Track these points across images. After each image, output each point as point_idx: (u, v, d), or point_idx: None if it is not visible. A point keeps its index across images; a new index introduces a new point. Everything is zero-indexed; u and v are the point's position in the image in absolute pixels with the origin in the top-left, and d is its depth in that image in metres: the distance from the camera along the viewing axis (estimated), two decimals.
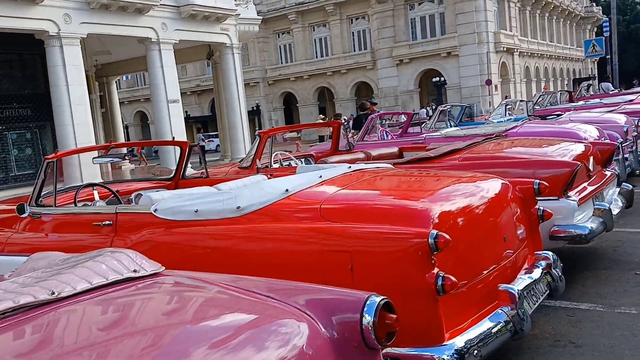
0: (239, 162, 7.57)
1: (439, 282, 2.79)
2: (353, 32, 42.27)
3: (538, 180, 4.07)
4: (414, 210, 3.19)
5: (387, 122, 15.13)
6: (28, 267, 2.32)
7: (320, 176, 3.81)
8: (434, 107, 25.68)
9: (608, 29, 37.29)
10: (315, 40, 43.92)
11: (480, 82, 36.41)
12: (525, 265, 3.76)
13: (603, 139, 7.58)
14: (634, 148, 8.98)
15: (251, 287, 2.12)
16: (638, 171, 9.30)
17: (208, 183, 4.92)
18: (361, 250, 2.99)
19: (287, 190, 3.54)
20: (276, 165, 6.72)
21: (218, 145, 30.71)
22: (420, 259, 2.83)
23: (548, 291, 3.76)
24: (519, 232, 3.78)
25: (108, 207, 4.44)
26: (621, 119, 9.38)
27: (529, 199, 4.00)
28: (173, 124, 19.86)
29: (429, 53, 38.04)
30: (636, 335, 3.87)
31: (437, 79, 38.54)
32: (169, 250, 3.60)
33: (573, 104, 15.46)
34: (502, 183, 3.81)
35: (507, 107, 14.67)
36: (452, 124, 11.75)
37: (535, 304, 3.54)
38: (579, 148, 5.67)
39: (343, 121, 12.37)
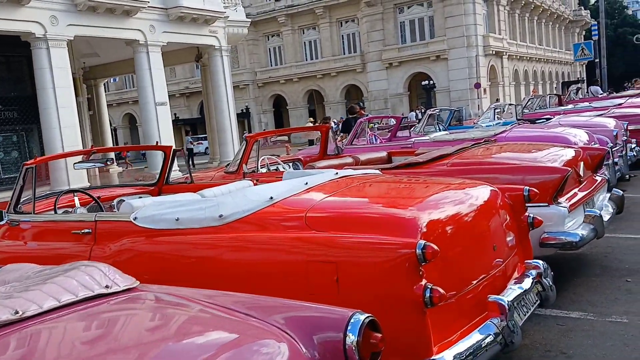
0: (226, 166, 7.47)
1: (427, 294, 2.70)
2: (343, 35, 42.29)
3: (528, 187, 3.98)
4: (402, 219, 3.09)
5: (376, 125, 15.07)
6: None
7: (306, 183, 3.71)
8: (423, 110, 25.71)
9: (597, 32, 37.42)
10: (305, 43, 43.88)
11: (469, 86, 36.45)
12: (515, 275, 3.67)
13: (593, 143, 7.54)
14: (623, 152, 8.96)
15: (230, 304, 2.02)
16: (628, 176, 9.28)
17: (192, 189, 4.82)
18: (347, 261, 2.90)
19: (271, 197, 3.44)
20: (263, 170, 6.63)
21: (207, 148, 30.59)
22: (408, 270, 2.74)
23: (539, 301, 3.67)
24: (508, 240, 3.70)
25: (87, 214, 4.33)
26: (611, 123, 9.37)
27: (518, 206, 3.91)
28: (161, 127, 19.77)
29: (418, 56, 38.05)
30: (628, 345, 3.81)
31: (427, 82, 38.65)
32: (149, 260, 3.49)
33: (562, 107, 15.47)
34: (491, 190, 3.72)
35: (496, 110, 14.61)
36: (441, 127, 11.72)
37: (525, 315, 3.45)
38: (569, 153, 5.61)
39: (332, 125, 12.28)
